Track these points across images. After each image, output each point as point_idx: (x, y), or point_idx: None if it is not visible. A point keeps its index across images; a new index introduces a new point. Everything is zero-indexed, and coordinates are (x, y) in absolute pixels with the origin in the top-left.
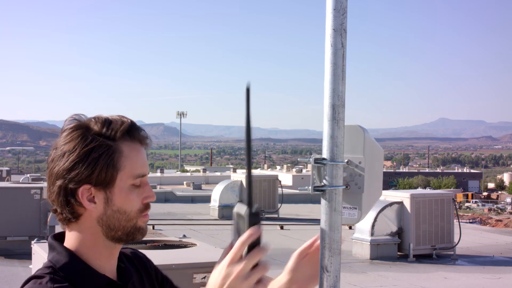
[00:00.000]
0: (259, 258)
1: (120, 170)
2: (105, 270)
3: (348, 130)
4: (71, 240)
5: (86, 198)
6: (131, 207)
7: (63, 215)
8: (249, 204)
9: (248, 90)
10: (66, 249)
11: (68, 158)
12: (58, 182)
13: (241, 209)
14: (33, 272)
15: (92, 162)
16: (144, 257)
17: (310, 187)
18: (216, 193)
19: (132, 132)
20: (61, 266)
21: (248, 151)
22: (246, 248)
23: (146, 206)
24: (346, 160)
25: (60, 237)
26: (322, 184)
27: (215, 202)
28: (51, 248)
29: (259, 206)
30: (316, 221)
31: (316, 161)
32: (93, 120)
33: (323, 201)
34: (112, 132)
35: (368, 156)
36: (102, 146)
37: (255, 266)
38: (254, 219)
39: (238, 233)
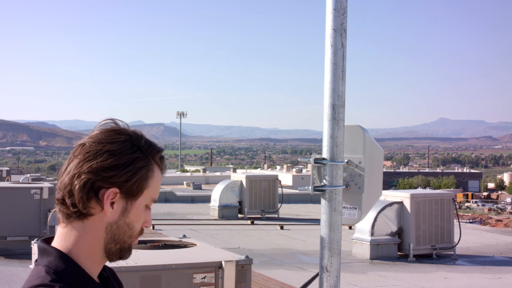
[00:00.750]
0: None
1: (147, 188)
2: (93, 276)
3: (348, 130)
4: (67, 239)
5: (109, 200)
6: (138, 225)
7: (72, 209)
8: None
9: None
10: (62, 253)
11: (110, 157)
12: (88, 176)
13: None
14: None
15: (133, 171)
16: (114, 272)
17: (310, 187)
18: (216, 193)
19: (162, 158)
20: (61, 271)
21: None
22: None
23: (142, 230)
24: (346, 160)
25: (49, 243)
26: (322, 184)
27: (215, 202)
28: (44, 252)
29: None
30: (316, 221)
31: (316, 161)
32: (134, 133)
33: (323, 201)
34: (153, 151)
35: (368, 156)
36: (145, 160)
37: None
38: None
39: None
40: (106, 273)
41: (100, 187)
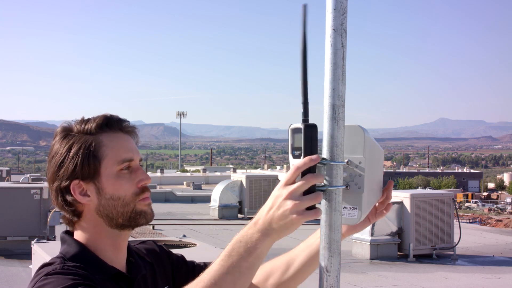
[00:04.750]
0: (312, 184)
1: (103, 159)
2: (113, 262)
3: (348, 130)
4: (78, 237)
5: (78, 192)
6: (124, 192)
7: (67, 217)
8: (305, 115)
9: (304, 8)
10: (76, 241)
11: (55, 159)
12: (54, 185)
13: (297, 124)
14: (33, 272)
15: (74, 157)
16: (160, 250)
17: None
18: (216, 193)
19: (110, 123)
20: (71, 256)
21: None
22: (300, 174)
23: (143, 190)
24: (346, 160)
25: (72, 233)
26: (322, 184)
27: (215, 202)
28: (62, 241)
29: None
30: (316, 221)
31: None
32: (75, 123)
33: (323, 201)
34: (89, 126)
35: (368, 156)
36: (79, 141)
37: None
38: (311, 131)
39: (293, 150)
40: (134, 258)
41: (67, 186)
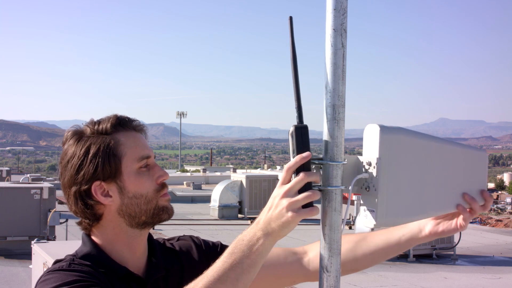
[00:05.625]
0: (306, 181)
1: (123, 158)
2: (127, 263)
3: (368, 130)
4: (96, 238)
5: (100, 194)
6: (146, 189)
7: (86, 222)
8: (300, 119)
9: (291, 20)
10: (91, 241)
11: (72, 163)
12: (72, 190)
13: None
14: (33, 272)
15: (94, 158)
16: (195, 246)
17: None
18: (216, 193)
19: (123, 122)
20: (82, 255)
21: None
22: (294, 173)
23: (163, 186)
24: (367, 161)
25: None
26: (319, 183)
27: (215, 202)
28: (82, 241)
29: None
30: (316, 221)
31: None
32: (86, 125)
33: (323, 201)
34: (103, 127)
35: (387, 157)
36: (97, 142)
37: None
38: (301, 131)
39: (293, 153)
40: (156, 258)
41: (87, 189)
